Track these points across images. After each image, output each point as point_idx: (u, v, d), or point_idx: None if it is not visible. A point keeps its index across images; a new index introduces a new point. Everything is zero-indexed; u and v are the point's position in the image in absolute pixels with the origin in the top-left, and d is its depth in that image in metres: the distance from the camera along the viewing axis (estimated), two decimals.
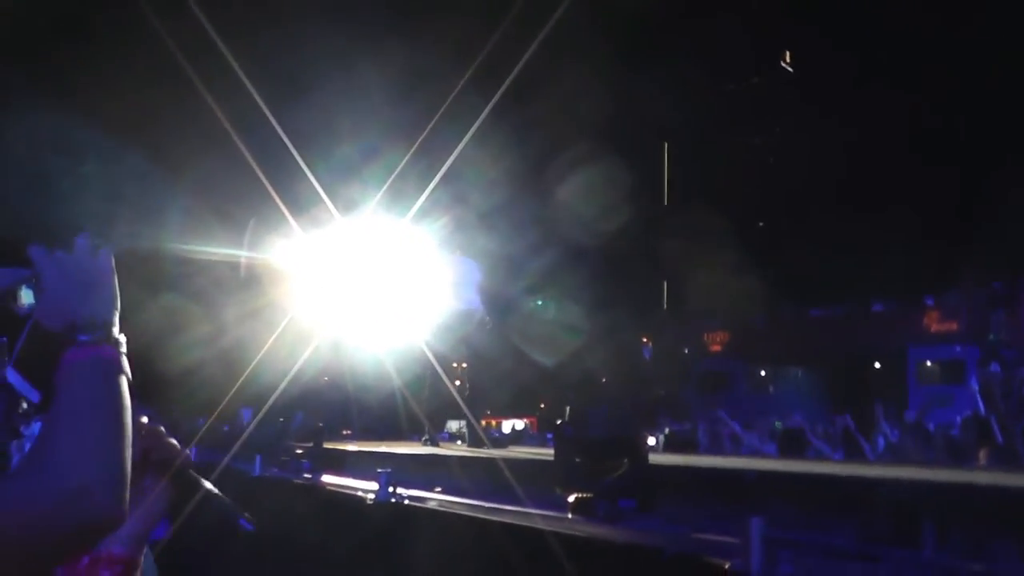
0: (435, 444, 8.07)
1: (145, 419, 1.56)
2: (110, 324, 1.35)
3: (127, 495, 1.25)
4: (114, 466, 1.25)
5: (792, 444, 9.74)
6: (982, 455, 8.18)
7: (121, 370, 1.34)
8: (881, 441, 9.98)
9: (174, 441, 1.63)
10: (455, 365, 8.92)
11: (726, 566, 2.61)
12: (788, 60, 27.79)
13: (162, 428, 1.61)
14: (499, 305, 8.42)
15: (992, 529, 2.79)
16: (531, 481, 4.63)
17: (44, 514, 1.18)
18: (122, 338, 1.36)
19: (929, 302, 21.09)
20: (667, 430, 11.13)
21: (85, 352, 1.31)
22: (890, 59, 21.71)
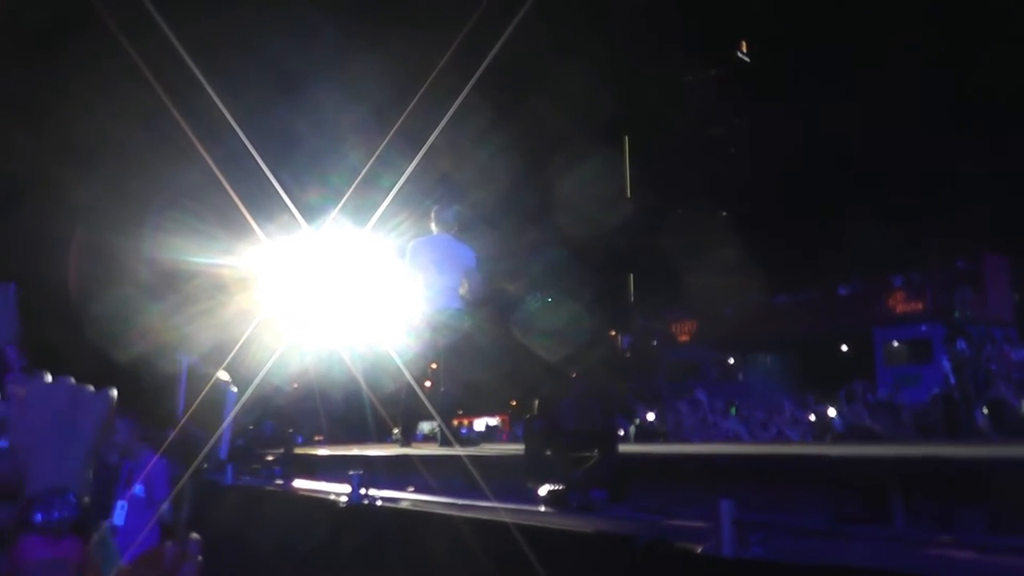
0: (407, 445, 8.03)
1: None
2: None
3: None
4: None
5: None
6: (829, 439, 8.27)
7: None
8: (840, 421, 10.12)
9: None
10: (427, 366, 8.88)
11: (698, 551, 2.61)
12: (745, 51, 27.97)
13: None
14: (472, 304, 8.39)
15: (960, 500, 2.82)
16: (503, 476, 4.63)
17: None
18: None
19: (898, 283, 21.25)
20: (637, 420, 11.20)
21: None
22: (848, 46, 21.91)
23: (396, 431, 8.27)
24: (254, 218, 7.74)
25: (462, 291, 8.06)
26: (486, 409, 22.58)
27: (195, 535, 1.21)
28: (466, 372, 8.52)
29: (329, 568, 4.50)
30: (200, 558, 1.16)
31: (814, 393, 13.51)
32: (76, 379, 1.39)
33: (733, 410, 12.93)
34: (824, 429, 11.16)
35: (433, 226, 8.28)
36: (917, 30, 20.82)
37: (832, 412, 12.22)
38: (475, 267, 8.16)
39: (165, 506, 7.39)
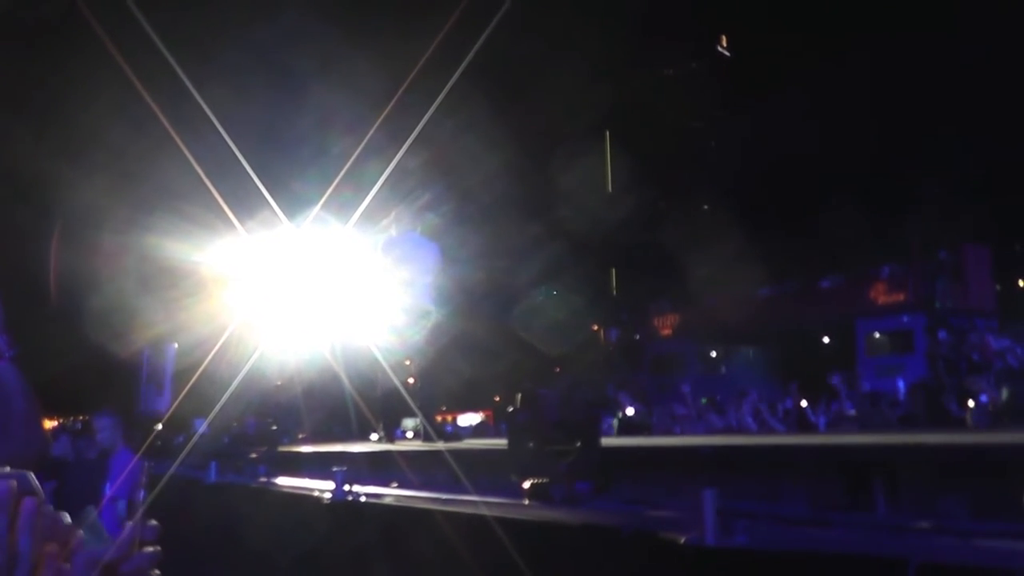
0: (390, 441, 8.01)
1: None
2: None
3: None
4: None
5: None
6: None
7: None
8: (823, 416, 10.15)
9: None
10: (407, 363, 8.85)
11: (682, 540, 2.62)
12: (725, 44, 28.05)
13: None
14: (451, 299, 8.37)
15: (941, 486, 2.83)
16: (488, 471, 4.62)
17: None
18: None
19: (885, 273, 21.26)
20: (620, 414, 11.22)
21: None
22: (828, 37, 21.98)
23: (379, 433, 8.23)
24: (235, 214, 7.70)
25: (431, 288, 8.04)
26: (470, 405, 22.59)
27: (153, 521, 1.18)
28: (444, 368, 8.50)
29: (313, 564, 4.48)
30: (157, 547, 1.12)
31: (796, 384, 13.53)
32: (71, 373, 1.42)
33: (706, 401, 12.94)
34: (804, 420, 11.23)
35: (404, 222, 8.25)
36: (894, 24, 20.92)
37: (804, 403, 12.27)
38: (440, 264, 8.11)
39: (121, 503, 7.34)
